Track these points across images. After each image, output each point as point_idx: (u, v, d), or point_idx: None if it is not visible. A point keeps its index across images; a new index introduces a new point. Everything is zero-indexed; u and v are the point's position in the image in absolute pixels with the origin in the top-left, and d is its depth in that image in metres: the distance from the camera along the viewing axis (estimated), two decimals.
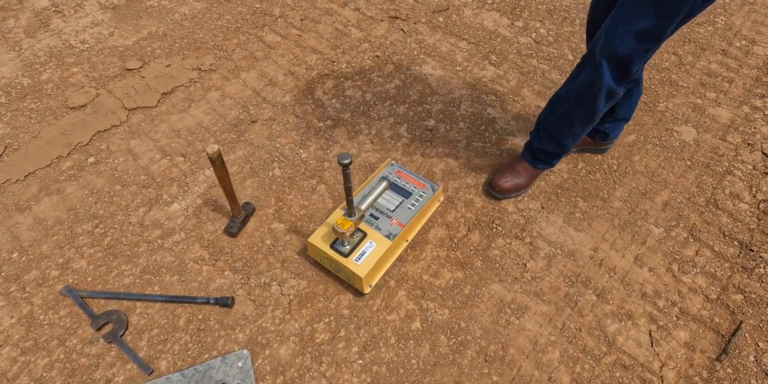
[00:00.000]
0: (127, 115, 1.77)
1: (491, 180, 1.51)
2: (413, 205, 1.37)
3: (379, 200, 1.38)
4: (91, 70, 1.92)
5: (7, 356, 1.22)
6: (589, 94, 1.20)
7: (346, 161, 0.99)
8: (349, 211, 1.20)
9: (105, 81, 1.89)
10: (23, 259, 1.40)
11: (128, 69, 1.93)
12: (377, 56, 1.98)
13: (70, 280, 1.35)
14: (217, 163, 1.20)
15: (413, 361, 1.21)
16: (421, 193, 1.40)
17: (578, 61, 1.99)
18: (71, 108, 1.79)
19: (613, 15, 1.07)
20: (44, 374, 1.19)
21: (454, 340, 1.24)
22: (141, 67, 1.94)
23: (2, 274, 1.37)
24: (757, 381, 1.17)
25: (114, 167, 1.62)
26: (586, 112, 1.26)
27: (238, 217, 1.43)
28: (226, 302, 1.28)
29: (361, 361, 1.21)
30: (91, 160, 1.64)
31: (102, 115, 1.77)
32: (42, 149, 1.67)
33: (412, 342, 1.24)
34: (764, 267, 1.37)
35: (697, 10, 1.01)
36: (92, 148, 1.68)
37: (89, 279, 1.36)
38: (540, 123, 1.40)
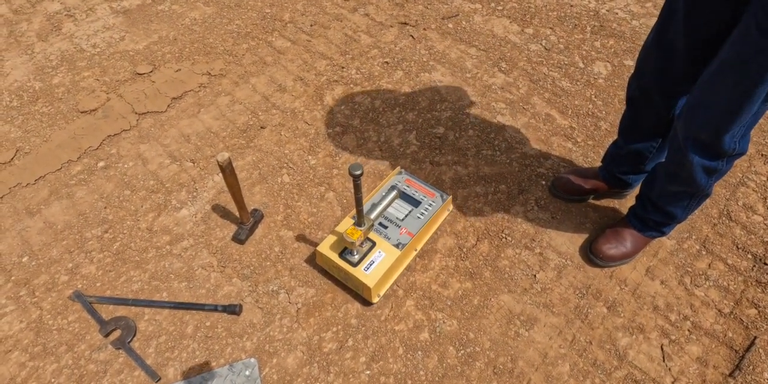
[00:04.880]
0: (137, 120, 1.78)
1: (593, 245, 1.35)
2: (422, 214, 1.36)
3: (389, 209, 1.37)
4: (102, 75, 1.94)
5: (16, 361, 1.22)
6: (682, 172, 1.09)
7: (358, 172, 0.99)
8: (359, 220, 1.19)
9: (115, 85, 1.90)
10: (33, 263, 1.41)
11: (138, 73, 1.94)
12: (386, 62, 1.98)
13: (79, 285, 1.36)
14: (227, 171, 1.20)
15: (421, 373, 1.20)
16: (431, 202, 1.39)
17: (588, 68, 2.00)
18: (82, 112, 1.80)
19: (692, 95, 0.99)
20: (52, 380, 1.19)
21: (462, 351, 1.23)
22: (151, 72, 1.94)
23: (12, 278, 1.37)
24: None
25: (124, 172, 1.63)
26: (687, 188, 1.14)
27: (247, 224, 1.43)
28: (233, 310, 1.28)
29: (368, 372, 1.20)
30: (101, 164, 1.65)
31: (112, 119, 1.78)
32: (53, 153, 1.68)
33: (420, 353, 1.23)
34: None
35: None
36: (102, 152, 1.68)
37: (98, 284, 1.36)
38: (642, 190, 1.30)
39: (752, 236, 1.45)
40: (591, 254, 1.37)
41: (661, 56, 1.07)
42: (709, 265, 1.39)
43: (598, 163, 1.56)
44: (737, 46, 0.87)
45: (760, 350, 1.22)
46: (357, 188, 1.06)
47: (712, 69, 0.94)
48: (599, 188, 1.47)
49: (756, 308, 1.30)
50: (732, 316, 1.29)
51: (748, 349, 1.22)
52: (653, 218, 1.29)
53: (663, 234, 1.35)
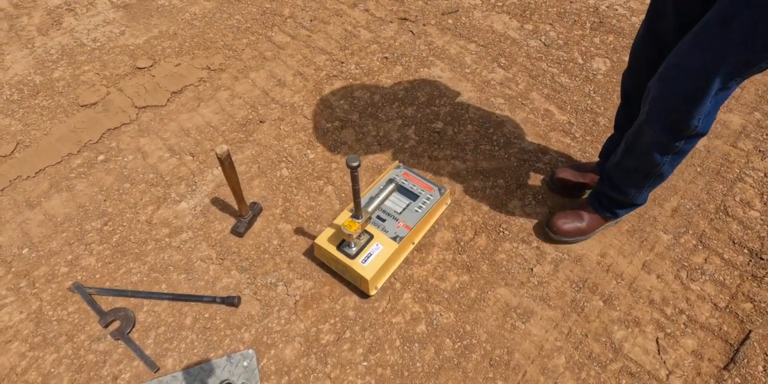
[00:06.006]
0: (137, 114, 1.79)
1: (549, 219, 1.39)
2: (420, 207, 1.37)
3: (387, 202, 1.38)
4: (102, 69, 1.94)
5: (16, 351, 1.23)
6: (638, 144, 1.07)
7: (355, 164, 0.99)
8: (357, 213, 1.20)
9: (116, 79, 1.90)
10: (33, 255, 1.41)
11: (139, 68, 1.94)
12: (386, 58, 1.98)
13: (79, 277, 1.37)
14: (226, 163, 1.20)
15: (418, 364, 1.21)
16: (429, 196, 1.40)
17: (587, 64, 2.00)
18: (82, 106, 1.81)
19: (669, 57, 0.95)
20: (52, 370, 1.20)
21: (459, 343, 1.24)
22: (151, 66, 1.95)
23: (12, 269, 1.38)
24: None
25: (123, 165, 1.64)
26: (642, 164, 1.12)
27: (246, 217, 1.44)
28: (232, 301, 1.29)
29: (365, 363, 1.21)
30: (101, 157, 1.66)
31: (112, 113, 1.79)
32: (53, 146, 1.68)
33: (417, 345, 1.24)
34: None
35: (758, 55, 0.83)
36: (102, 146, 1.69)
37: (97, 276, 1.37)
38: (606, 165, 1.30)
39: (749, 231, 1.45)
40: (546, 228, 1.39)
41: (653, 51, 1.07)
42: (706, 260, 1.39)
43: (596, 158, 1.56)
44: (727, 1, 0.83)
45: (755, 344, 1.23)
46: (354, 180, 1.07)
47: (695, 30, 0.90)
48: (593, 180, 1.48)
49: (751, 302, 1.31)
50: (727, 310, 1.29)
51: (742, 343, 1.23)
52: (609, 195, 1.31)
53: (616, 216, 1.36)
